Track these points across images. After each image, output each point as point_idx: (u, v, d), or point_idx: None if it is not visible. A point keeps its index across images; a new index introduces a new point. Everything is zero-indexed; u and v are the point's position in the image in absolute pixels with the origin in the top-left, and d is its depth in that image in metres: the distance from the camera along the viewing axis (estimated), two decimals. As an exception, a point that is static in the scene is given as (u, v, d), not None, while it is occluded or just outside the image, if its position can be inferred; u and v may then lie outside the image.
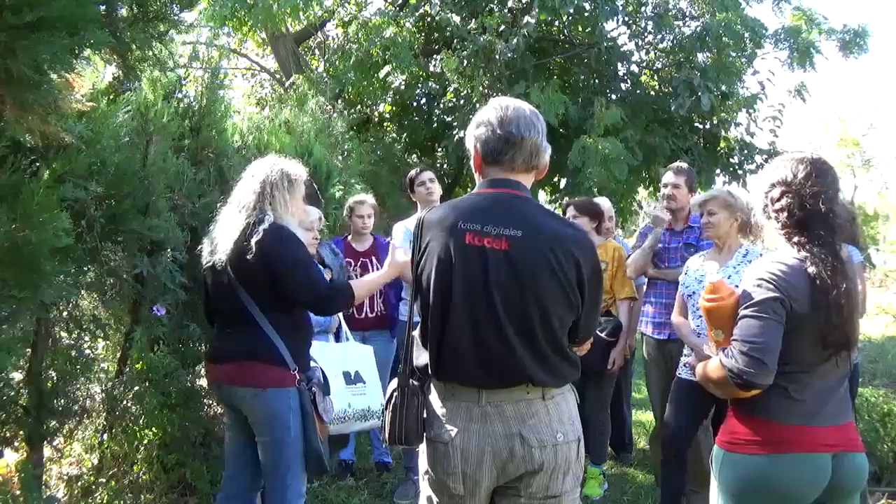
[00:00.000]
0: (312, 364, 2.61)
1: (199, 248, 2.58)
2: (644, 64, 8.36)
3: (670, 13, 7.51)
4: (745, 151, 7.77)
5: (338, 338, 3.57)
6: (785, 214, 1.85)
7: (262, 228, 2.36)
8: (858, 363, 3.67)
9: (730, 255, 3.16)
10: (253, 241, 2.33)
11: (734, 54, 7.24)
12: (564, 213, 4.11)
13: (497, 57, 6.63)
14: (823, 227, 1.81)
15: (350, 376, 3.17)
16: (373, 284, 2.76)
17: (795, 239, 1.83)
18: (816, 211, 1.81)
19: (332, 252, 3.91)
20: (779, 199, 1.86)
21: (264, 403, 2.39)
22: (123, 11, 2.71)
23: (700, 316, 3.13)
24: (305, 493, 2.50)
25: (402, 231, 3.84)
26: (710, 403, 3.12)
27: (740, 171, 7.78)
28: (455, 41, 6.98)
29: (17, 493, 2.58)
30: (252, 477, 2.54)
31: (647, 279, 3.89)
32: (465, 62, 6.80)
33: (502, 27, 7.03)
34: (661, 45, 7.98)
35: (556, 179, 8.21)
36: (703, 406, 3.16)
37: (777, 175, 1.89)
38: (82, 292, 3.10)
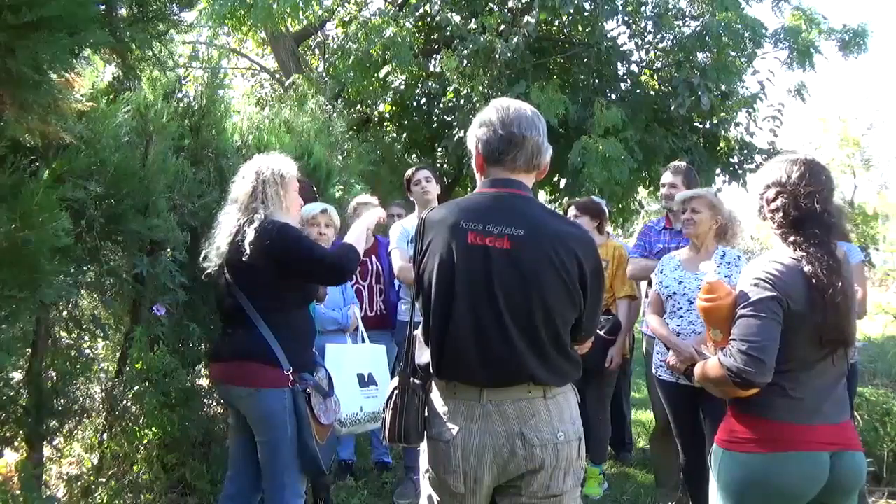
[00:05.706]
0: (319, 366, 2.61)
1: (200, 249, 2.58)
2: (644, 64, 8.35)
3: (670, 13, 7.51)
4: (745, 151, 7.78)
5: (354, 338, 3.57)
6: (780, 214, 1.87)
7: (254, 228, 2.36)
8: (857, 362, 3.65)
9: (707, 255, 3.14)
10: (247, 241, 2.34)
11: (734, 54, 7.24)
12: (566, 212, 4.10)
13: (497, 57, 6.64)
14: (818, 226, 1.83)
15: (364, 378, 3.18)
16: (359, 234, 2.68)
17: (791, 238, 1.85)
18: (811, 211, 1.83)
19: None
20: (774, 200, 1.89)
21: (259, 403, 2.39)
22: (123, 11, 2.71)
23: (681, 316, 3.15)
24: (304, 493, 2.50)
25: (399, 231, 3.84)
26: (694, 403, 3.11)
27: (740, 171, 7.80)
28: (455, 41, 6.98)
29: (17, 492, 2.58)
30: (254, 477, 2.54)
31: (646, 281, 3.89)
32: (465, 62, 6.80)
33: (502, 27, 7.03)
34: (661, 45, 7.97)
35: (556, 179, 8.21)
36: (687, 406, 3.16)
37: (772, 176, 1.92)
38: (82, 292, 3.10)
